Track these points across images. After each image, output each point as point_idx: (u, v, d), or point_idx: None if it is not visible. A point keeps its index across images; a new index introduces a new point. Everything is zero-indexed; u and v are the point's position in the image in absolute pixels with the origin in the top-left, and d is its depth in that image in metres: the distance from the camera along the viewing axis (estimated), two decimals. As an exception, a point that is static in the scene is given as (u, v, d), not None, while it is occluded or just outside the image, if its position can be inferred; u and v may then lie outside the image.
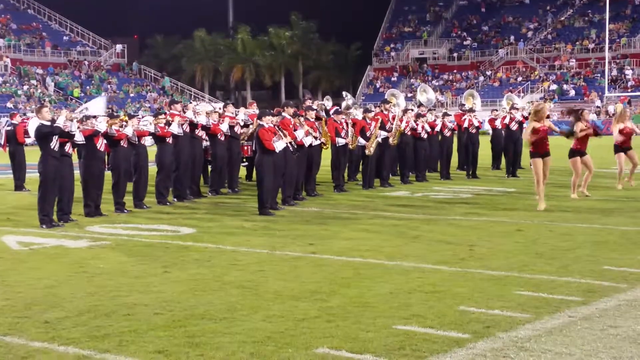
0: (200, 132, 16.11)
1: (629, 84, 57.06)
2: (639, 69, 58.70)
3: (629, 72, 57.98)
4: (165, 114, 15.73)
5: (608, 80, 56.14)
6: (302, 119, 15.40)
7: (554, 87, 59.80)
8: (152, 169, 15.32)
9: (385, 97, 20.34)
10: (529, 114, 22.11)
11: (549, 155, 13.92)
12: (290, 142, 14.08)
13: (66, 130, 12.62)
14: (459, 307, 7.12)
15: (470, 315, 6.86)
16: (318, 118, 17.01)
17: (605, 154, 23.18)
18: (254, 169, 15.47)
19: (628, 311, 6.99)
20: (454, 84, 65.02)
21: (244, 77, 72.50)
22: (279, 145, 13.52)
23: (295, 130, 14.98)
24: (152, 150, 15.24)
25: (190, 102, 21.62)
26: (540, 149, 13.79)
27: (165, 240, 11.14)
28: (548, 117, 17.69)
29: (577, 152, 15.37)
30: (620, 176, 16.89)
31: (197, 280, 8.45)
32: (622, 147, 16.74)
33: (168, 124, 15.14)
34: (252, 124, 17.10)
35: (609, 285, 7.96)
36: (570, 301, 7.31)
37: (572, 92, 58.74)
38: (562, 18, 68.02)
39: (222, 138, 16.58)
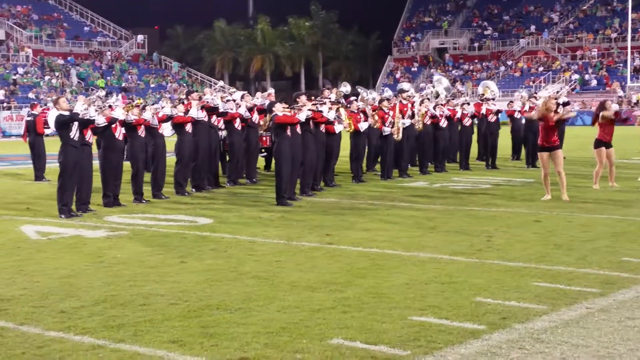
0: (217, 122, 16.12)
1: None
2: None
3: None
4: (183, 103, 15.78)
5: (630, 70, 55.54)
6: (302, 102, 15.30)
7: (575, 77, 59.29)
8: (171, 159, 15.36)
9: (398, 88, 20.27)
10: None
11: (556, 149, 13.72)
12: (308, 130, 14.10)
13: (86, 117, 12.66)
14: (475, 298, 7.08)
15: (487, 307, 6.81)
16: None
17: (628, 145, 22.99)
18: (272, 159, 15.48)
19: (646, 303, 6.92)
20: (475, 74, 64.62)
21: (264, 67, 72.49)
22: (302, 115, 13.62)
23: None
24: (169, 141, 15.27)
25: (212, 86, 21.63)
26: (544, 141, 13.67)
27: (183, 231, 11.17)
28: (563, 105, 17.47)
29: (602, 142, 15.25)
30: None
31: (214, 270, 8.46)
32: None
33: (186, 112, 15.17)
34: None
35: (628, 276, 7.88)
36: (588, 293, 7.25)
37: (594, 82, 58.22)
38: (584, 7, 67.37)
39: (239, 127, 16.58)
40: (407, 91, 19.28)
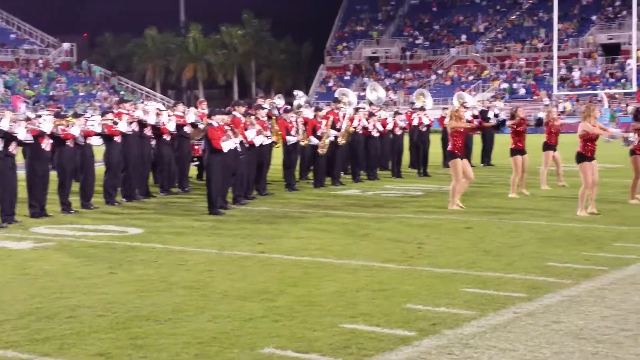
0: (148, 132, 15.92)
1: (577, 82, 57.99)
2: (586, 68, 59.72)
3: (576, 72, 58.91)
4: (113, 112, 15.52)
5: (557, 79, 56.95)
6: (253, 117, 15.31)
7: (504, 85, 60.52)
8: (100, 168, 15.10)
9: (335, 96, 20.37)
10: (480, 112, 22.48)
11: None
12: (241, 141, 14.02)
13: (12, 134, 12.34)
14: (406, 305, 7.14)
15: (417, 313, 6.87)
16: (269, 117, 16.94)
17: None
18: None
19: (571, 307, 7.08)
20: (406, 82, 65.38)
21: (196, 75, 71.99)
22: (227, 145, 13.41)
23: (246, 129, 14.89)
24: (98, 150, 15.01)
25: (141, 102, 21.36)
26: (459, 149, 13.87)
27: (112, 241, 10.97)
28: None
29: (517, 151, 15.58)
30: None
31: (143, 281, 8.34)
32: None
33: (115, 123, 14.93)
34: (202, 123, 16.93)
35: (553, 281, 8.06)
36: (516, 297, 7.38)
37: (523, 91, 59.51)
38: (512, 17, 68.87)
39: (169, 138, 16.41)
40: (344, 95, 19.42)
